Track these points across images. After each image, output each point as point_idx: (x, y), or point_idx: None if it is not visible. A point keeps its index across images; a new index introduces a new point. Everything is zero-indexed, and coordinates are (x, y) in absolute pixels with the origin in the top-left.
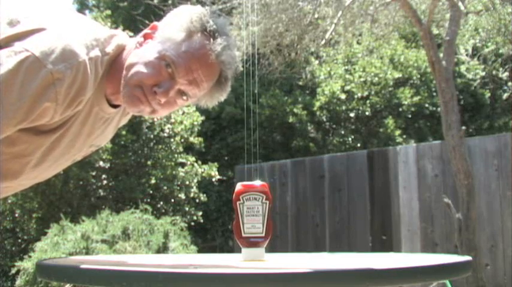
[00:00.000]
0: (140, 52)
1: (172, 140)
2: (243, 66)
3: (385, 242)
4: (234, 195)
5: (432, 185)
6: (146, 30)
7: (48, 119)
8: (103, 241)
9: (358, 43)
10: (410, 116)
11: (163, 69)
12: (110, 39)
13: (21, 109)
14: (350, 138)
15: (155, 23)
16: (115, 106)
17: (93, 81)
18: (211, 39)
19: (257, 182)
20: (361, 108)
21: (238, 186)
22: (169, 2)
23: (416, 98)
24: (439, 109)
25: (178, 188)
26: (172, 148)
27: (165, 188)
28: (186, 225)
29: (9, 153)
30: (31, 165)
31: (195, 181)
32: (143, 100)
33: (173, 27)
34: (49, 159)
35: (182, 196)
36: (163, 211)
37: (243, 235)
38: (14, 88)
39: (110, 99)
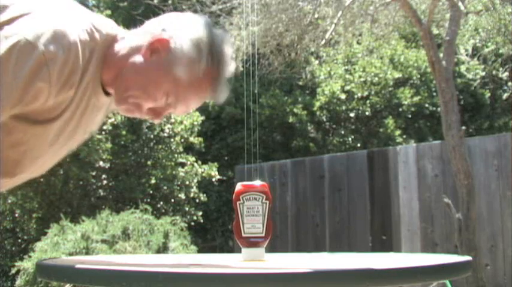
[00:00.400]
0: (146, 71)
1: (172, 140)
2: (243, 66)
3: (385, 242)
4: (234, 195)
5: (432, 185)
6: (156, 41)
7: (42, 102)
8: (103, 241)
9: (358, 43)
10: (410, 116)
11: (164, 99)
12: (100, 26)
13: (16, 91)
14: (350, 138)
15: (166, 37)
16: (107, 93)
17: (84, 64)
18: (215, 75)
19: (257, 182)
20: (361, 108)
21: (238, 186)
22: (169, 1)
23: (416, 98)
24: (439, 109)
25: (178, 188)
26: (172, 148)
27: (165, 188)
28: (186, 225)
29: (7, 141)
30: (31, 156)
31: (195, 181)
32: (137, 114)
33: (182, 54)
34: (50, 151)
35: (182, 196)
36: (163, 211)
37: (243, 235)
38: (8, 71)
39: (104, 87)
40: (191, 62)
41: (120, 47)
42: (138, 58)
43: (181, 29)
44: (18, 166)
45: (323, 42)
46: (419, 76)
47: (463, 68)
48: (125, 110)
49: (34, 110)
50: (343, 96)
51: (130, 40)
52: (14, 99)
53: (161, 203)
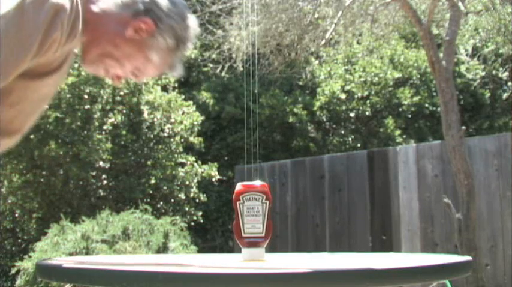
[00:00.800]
0: (126, 46)
1: (172, 140)
2: (243, 66)
3: (385, 242)
4: (234, 195)
5: (432, 185)
6: (141, 23)
7: (53, 52)
8: (103, 241)
9: (358, 43)
10: (410, 116)
11: (131, 70)
12: None
13: (36, 42)
14: (350, 138)
15: (151, 20)
16: None
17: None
18: (180, 57)
19: (257, 182)
20: (361, 108)
21: (238, 186)
22: None
23: (416, 98)
24: (439, 109)
25: (178, 188)
26: (172, 148)
27: (165, 188)
28: (186, 225)
29: (7, 101)
30: (26, 113)
31: (195, 181)
32: (100, 75)
33: (161, 42)
34: (41, 105)
35: (182, 196)
36: (163, 211)
37: (243, 235)
38: (27, 23)
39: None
40: (167, 50)
41: (101, 11)
42: (120, 32)
43: (165, 15)
44: (15, 124)
45: (323, 42)
46: (419, 76)
47: (463, 68)
48: (91, 70)
49: (42, 62)
50: (343, 96)
51: (110, 7)
52: (35, 50)
53: (161, 203)
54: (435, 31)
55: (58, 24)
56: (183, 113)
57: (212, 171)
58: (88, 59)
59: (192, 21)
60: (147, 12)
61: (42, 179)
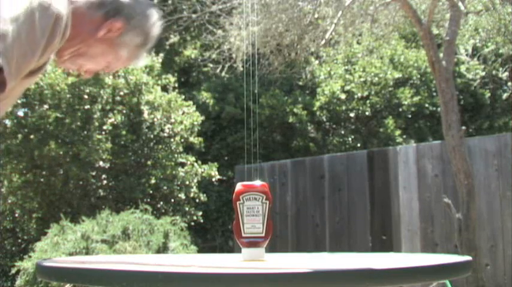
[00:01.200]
0: (99, 45)
1: (172, 140)
2: (243, 66)
3: (385, 242)
4: (234, 195)
5: (432, 185)
6: (112, 24)
7: (47, 56)
8: (103, 241)
9: (358, 43)
10: (410, 116)
11: (103, 66)
12: None
13: (41, 46)
14: (350, 138)
15: (121, 22)
16: None
17: None
18: (146, 52)
19: (257, 182)
20: (361, 108)
21: (238, 186)
22: (169, 1)
23: (416, 98)
24: (439, 109)
25: (178, 188)
26: (172, 148)
27: (165, 188)
28: (186, 225)
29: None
30: (7, 105)
31: (195, 181)
32: (71, 70)
33: (130, 41)
34: (17, 98)
35: (182, 196)
36: (163, 211)
37: (243, 235)
38: (34, 28)
39: None
40: (135, 46)
41: (75, 13)
42: (93, 32)
43: (133, 15)
44: None
45: (323, 42)
46: (419, 76)
47: (463, 68)
48: (65, 66)
49: (39, 62)
50: (343, 96)
51: (82, 8)
52: (39, 54)
53: (161, 203)
54: (435, 31)
55: (57, 31)
56: (183, 113)
57: (212, 171)
58: (63, 58)
59: (156, 16)
60: (116, 12)
61: (42, 179)
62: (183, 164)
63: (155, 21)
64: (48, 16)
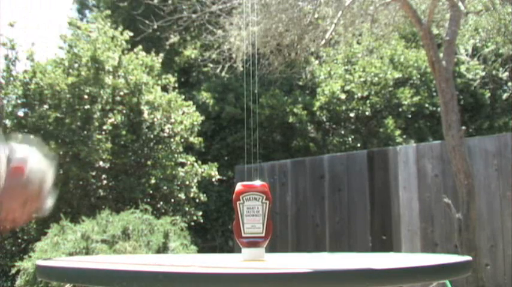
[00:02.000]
0: (10, 190)
1: (172, 140)
2: (243, 66)
3: (385, 242)
4: (234, 195)
5: (432, 185)
6: (15, 169)
7: None
8: (103, 241)
9: (358, 43)
10: (410, 116)
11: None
12: None
13: None
14: (350, 138)
15: (22, 165)
16: None
17: None
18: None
19: (257, 182)
20: (361, 108)
21: (238, 186)
22: (169, 2)
23: (416, 98)
24: (439, 109)
25: (178, 188)
26: (172, 148)
27: (165, 188)
28: (186, 225)
29: None
30: None
31: (195, 180)
32: None
33: (32, 181)
34: None
35: (182, 196)
36: (163, 211)
37: (243, 235)
38: None
39: None
40: (35, 186)
41: None
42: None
43: (30, 161)
44: None
45: (323, 42)
46: (419, 76)
47: (463, 68)
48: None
49: None
50: (343, 96)
51: None
52: None
53: (161, 203)
54: (435, 31)
55: None
56: (183, 113)
57: (212, 171)
58: None
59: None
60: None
61: None
62: (183, 164)
63: (44, 162)
64: None
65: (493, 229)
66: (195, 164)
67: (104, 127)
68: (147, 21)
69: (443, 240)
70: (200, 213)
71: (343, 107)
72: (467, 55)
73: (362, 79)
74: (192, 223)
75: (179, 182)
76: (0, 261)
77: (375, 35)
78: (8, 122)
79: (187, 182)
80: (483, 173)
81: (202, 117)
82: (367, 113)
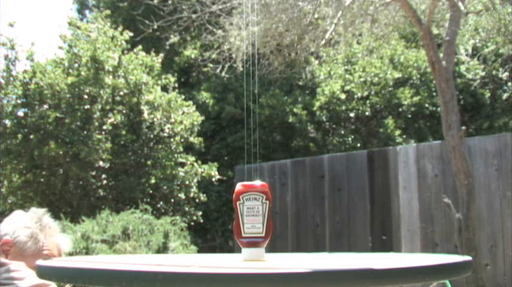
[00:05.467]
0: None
1: (172, 140)
2: (243, 66)
3: (385, 242)
4: (234, 195)
5: (432, 185)
6: (3, 244)
7: None
8: (103, 241)
9: (358, 43)
10: (410, 116)
11: None
12: None
13: None
14: (350, 138)
15: (9, 238)
16: None
17: None
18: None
19: (257, 182)
20: (361, 108)
21: (238, 186)
22: (169, 2)
23: (416, 98)
24: (439, 109)
25: (178, 188)
26: (172, 148)
27: (165, 188)
28: (186, 225)
29: None
30: None
31: (195, 180)
32: None
33: (22, 245)
34: None
35: (182, 195)
36: (163, 211)
37: (243, 235)
38: None
39: None
40: (28, 247)
41: None
42: None
43: (16, 229)
44: None
45: (323, 42)
46: (419, 76)
47: (463, 68)
48: None
49: None
50: (343, 96)
51: None
52: None
53: (161, 203)
54: (435, 31)
55: None
56: (183, 113)
57: (212, 171)
58: None
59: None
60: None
61: (42, 179)
62: (183, 164)
63: (33, 220)
64: None
65: (493, 229)
66: (195, 164)
67: (104, 127)
68: (147, 21)
69: (443, 240)
70: (200, 213)
71: (343, 107)
72: (467, 55)
73: (362, 79)
74: (192, 223)
75: (179, 182)
76: None
77: (374, 35)
78: (8, 122)
79: (187, 182)
80: (483, 173)
81: (202, 117)
82: (367, 113)
